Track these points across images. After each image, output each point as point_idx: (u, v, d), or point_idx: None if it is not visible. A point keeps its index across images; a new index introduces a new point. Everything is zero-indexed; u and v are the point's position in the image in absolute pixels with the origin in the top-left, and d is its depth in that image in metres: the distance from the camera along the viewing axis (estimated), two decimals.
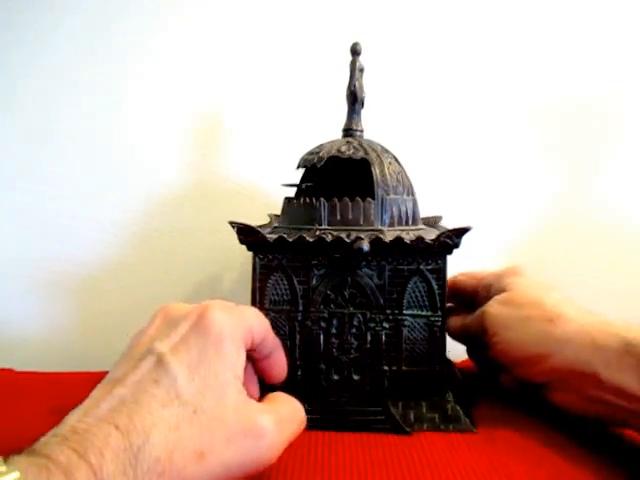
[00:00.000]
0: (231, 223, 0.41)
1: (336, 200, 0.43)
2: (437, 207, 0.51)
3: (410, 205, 0.45)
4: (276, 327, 0.42)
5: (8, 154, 0.58)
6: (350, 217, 0.43)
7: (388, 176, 0.44)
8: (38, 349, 0.58)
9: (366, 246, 0.39)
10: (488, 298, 0.44)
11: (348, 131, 0.47)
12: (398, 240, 0.40)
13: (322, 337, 0.42)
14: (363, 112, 0.48)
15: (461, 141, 0.60)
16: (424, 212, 0.49)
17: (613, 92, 0.59)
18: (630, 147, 0.60)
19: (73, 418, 0.27)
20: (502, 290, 0.44)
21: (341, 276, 0.41)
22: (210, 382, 0.29)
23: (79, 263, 0.59)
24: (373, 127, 0.49)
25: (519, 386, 0.43)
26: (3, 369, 0.52)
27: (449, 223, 0.44)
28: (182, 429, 0.27)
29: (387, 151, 0.46)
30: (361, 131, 0.47)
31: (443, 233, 0.40)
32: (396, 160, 0.46)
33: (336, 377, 0.42)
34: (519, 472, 0.34)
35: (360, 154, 0.44)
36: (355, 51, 0.47)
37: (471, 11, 0.59)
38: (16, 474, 0.23)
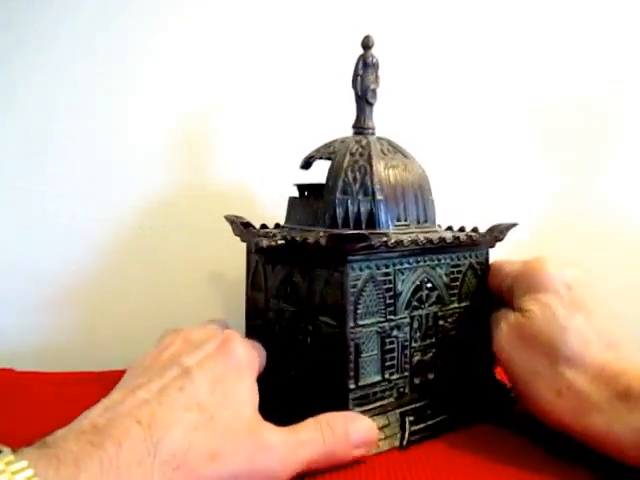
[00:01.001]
0: (331, 236, 0.36)
1: (337, 201, 0.41)
2: (438, 207, 0.54)
3: (435, 205, 0.47)
4: (367, 343, 0.38)
5: (8, 154, 0.56)
6: (413, 218, 0.42)
7: (425, 177, 0.45)
8: (38, 349, 0.57)
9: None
10: (511, 300, 0.40)
11: (364, 129, 0.45)
12: (469, 236, 0.42)
13: (404, 343, 0.40)
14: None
15: (462, 141, 0.61)
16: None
17: (613, 92, 0.60)
18: (630, 147, 0.61)
19: (93, 414, 0.28)
20: (519, 306, 0.39)
21: (419, 278, 0.41)
22: (229, 398, 0.32)
23: (78, 263, 0.57)
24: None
25: None
26: (3, 369, 0.51)
27: (449, 223, 0.48)
28: (199, 431, 0.29)
29: (395, 152, 0.45)
30: (372, 129, 0.46)
31: (491, 228, 0.44)
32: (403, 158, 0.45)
33: (417, 381, 0.41)
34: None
35: (399, 156, 0.44)
36: (367, 45, 0.45)
37: (471, 11, 0.61)
38: (23, 463, 0.23)
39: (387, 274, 0.39)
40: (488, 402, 0.44)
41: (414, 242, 0.39)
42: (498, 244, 0.47)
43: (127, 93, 0.57)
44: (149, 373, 0.32)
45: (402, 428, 0.38)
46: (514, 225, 0.45)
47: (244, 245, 0.48)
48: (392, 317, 0.39)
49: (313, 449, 0.33)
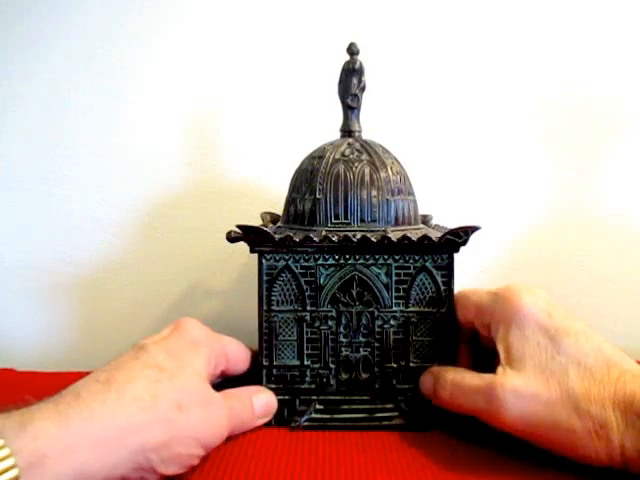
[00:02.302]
0: (239, 226, 0.41)
1: (342, 201, 0.43)
2: (439, 206, 0.52)
3: (412, 205, 0.46)
4: (284, 327, 0.42)
5: (9, 154, 0.58)
6: (356, 217, 0.43)
7: (391, 177, 0.44)
8: (39, 349, 0.58)
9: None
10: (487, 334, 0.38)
11: (346, 132, 0.48)
12: (405, 238, 0.40)
13: (330, 336, 0.42)
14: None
15: (464, 140, 0.60)
16: (425, 211, 0.50)
17: (615, 91, 0.59)
18: (631, 147, 0.59)
19: (56, 394, 0.30)
20: (505, 345, 0.36)
21: (348, 275, 0.41)
22: (186, 363, 0.34)
23: (80, 263, 0.59)
24: (372, 126, 0.49)
25: None
26: (4, 369, 0.52)
27: (452, 222, 0.44)
28: (163, 383, 0.31)
29: (387, 151, 0.46)
30: (359, 131, 0.48)
31: (450, 231, 0.41)
32: (397, 161, 0.46)
33: (345, 376, 0.42)
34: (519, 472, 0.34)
35: (364, 157, 0.44)
36: (352, 51, 0.47)
37: (471, 10, 0.60)
38: None
39: (307, 267, 0.41)
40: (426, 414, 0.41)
41: (326, 239, 0.40)
42: (498, 243, 0.43)
43: (127, 93, 0.59)
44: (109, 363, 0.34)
45: (302, 413, 0.41)
46: (476, 228, 0.40)
47: (241, 245, 0.44)
48: (314, 308, 0.42)
49: (237, 417, 0.37)
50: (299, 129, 0.57)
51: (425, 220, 0.51)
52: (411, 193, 0.46)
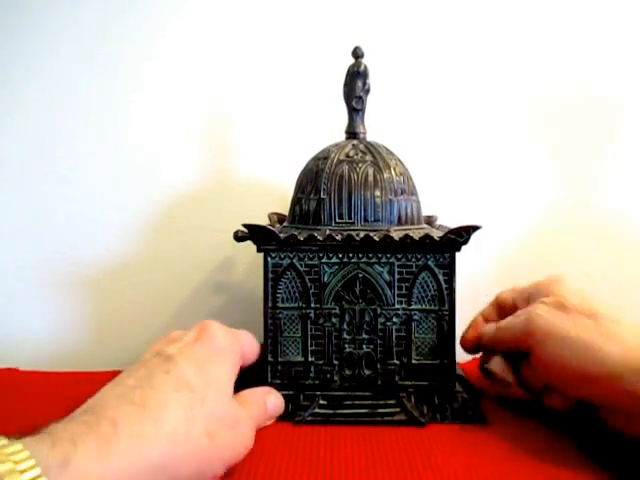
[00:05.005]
0: (245, 225, 0.42)
1: (345, 201, 0.44)
2: (442, 206, 0.53)
3: (415, 205, 0.46)
4: (289, 324, 0.43)
5: (11, 155, 0.59)
6: (359, 217, 0.44)
7: (395, 178, 0.45)
8: (43, 349, 0.59)
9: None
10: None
11: (351, 133, 0.49)
12: (407, 237, 0.41)
13: (334, 333, 0.43)
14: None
15: (466, 141, 0.60)
16: (429, 212, 0.50)
17: (616, 92, 0.59)
18: (633, 146, 0.59)
19: (86, 404, 0.29)
20: (546, 296, 0.39)
21: (351, 273, 0.42)
22: (212, 380, 0.33)
23: (82, 264, 0.59)
24: (377, 127, 0.50)
25: (570, 408, 0.38)
26: (8, 369, 0.52)
27: (455, 222, 0.45)
28: (195, 411, 0.30)
29: (391, 153, 0.47)
30: (364, 133, 0.49)
31: (451, 230, 0.41)
32: (400, 162, 0.47)
33: (348, 372, 0.43)
34: (520, 471, 0.34)
35: (368, 158, 0.45)
36: (357, 54, 0.48)
37: (473, 12, 0.60)
38: (18, 445, 0.23)
39: (312, 266, 0.42)
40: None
41: (330, 238, 0.41)
42: (499, 242, 0.44)
43: (130, 94, 0.59)
44: (133, 367, 0.33)
45: (306, 408, 0.41)
46: (477, 228, 0.41)
47: (248, 244, 0.45)
48: (318, 306, 0.43)
49: (257, 422, 0.37)
50: (305, 131, 0.58)
51: (429, 221, 0.52)
52: (414, 193, 0.47)
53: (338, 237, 0.41)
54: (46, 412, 0.40)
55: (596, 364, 0.34)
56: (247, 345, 0.41)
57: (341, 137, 0.49)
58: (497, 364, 0.42)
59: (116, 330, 0.59)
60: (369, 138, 0.49)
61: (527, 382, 0.40)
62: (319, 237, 0.41)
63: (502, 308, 0.45)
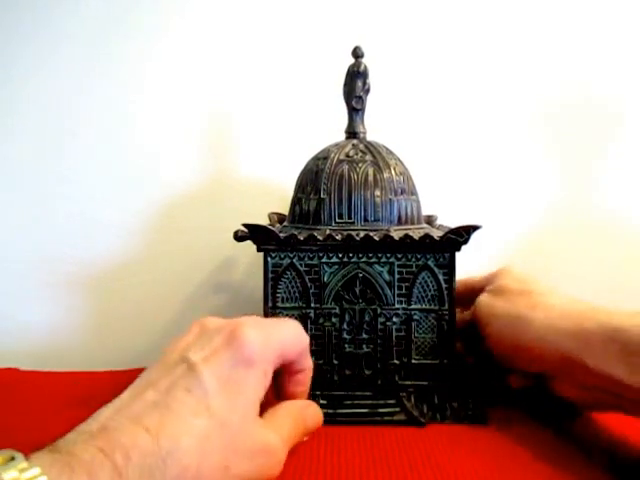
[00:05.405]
0: (245, 225, 0.42)
1: (345, 201, 0.44)
2: (441, 206, 0.53)
3: (415, 205, 0.46)
4: None
5: (17, 154, 0.59)
6: (359, 217, 0.44)
7: (395, 177, 0.45)
8: (43, 349, 0.59)
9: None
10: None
11: (351, 133, 0.49)
12: (407, 237, 0.41)
13: (334, 333, 0.43)
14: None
15: (467, 141, 0.60)
16: (429, 212, 0.51)
17: (617, 91, 0.59)
18: (633, 146, 0.60)
19: (102, 416, 0.28)
20: (492, 284, 0.45)
21: (351, 273, 0.42)
22: (236, 399, 0.30)
23: (84, 264, 0.59)
24: (377, 127, 0.50)
25: (526, 383, 0.42)
26: (8, 369, 0.52)
27: (455, 222, 0.45)
28: (211, 441, 0.28)
29: (391, 152, 0.47)
30: (364, 133, 0.49)
31: (451, 230, 0.41)
32: (400, 161, 0.47)
33: (348, 372, 0.43)
34: (520, 471, 0.34)
35: (368, 157, 0.45)
36: (356, 54, 0.48)
37: (474, 12, 0.60)
38: (36, 470, 0.23)
39: (312, 265, 0.42)
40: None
41: (330, 238, 0.41)
42: (499, 242, 0.44)
43: (131, 93, 0.59)
44: (159, 369, 0.31)
45: None
46: (477, 227, 0.41)
47: (248, 244, 0.45)
48: (318, 305, 0.43)
49: (291, 444, 0.34)
50: (305, 131, 0.58)
51: (430, 220, 0.52)
52: (414, 193, 0.47)
53: (338, 237, 0.41)
54: (46, 412, 0.42)
55: (524, 331, 0.39)
56: (289, 342, 0.36)
57: (341, 137, 0.49)
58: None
59: (116, 330, 0.60)
60: (369, 138, 0.49)
61: (495, 366, 0.44)
62: (319, 237, 0.41)
63: (469, 290, 0.48)
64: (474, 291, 0.47)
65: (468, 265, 0.51)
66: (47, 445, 0.25)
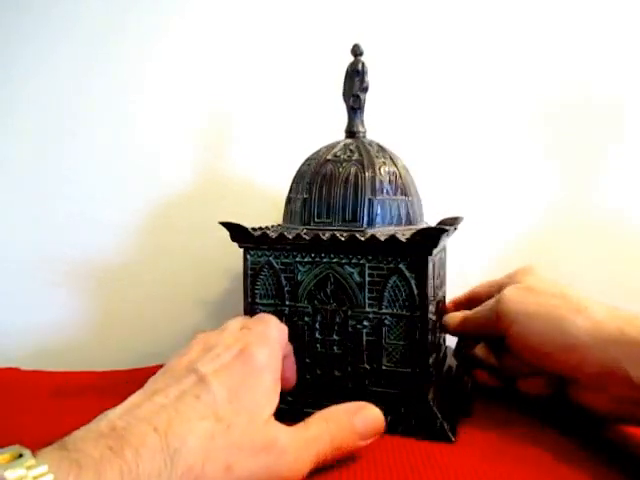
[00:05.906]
0: (222, 224, 0.44)
1: (324, 200, 0.44)
2: (440, 206, 0.50)
3: (404, 205, 0.45)
4: None
5: (17, 154, 0.59)
6: (338, 217, 0.44)
7: (378, 177, 0.44)
8: (43, 349, 0.59)
9: None
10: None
11: (351, 133, 0.48)
12: (374, 238, 0.40)
13: (307, 332, 0.43)
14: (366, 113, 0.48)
15: (467, 141, 0.58)
16: (430, 211, 0.48)
17: (617, 91, 0.56)
18: (633, 146, 0.56)
19: (111, 416, 0.28)
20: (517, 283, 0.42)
21: (323, 272, 0.42)
22: (246, 403, 0.31)
23: (85, 263, 0.60)
24: (379, 126, 0.49)
25: (543, 392, 0.40)
26: (9, 368, 0.53)
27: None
28: (215, 441, 0.29)
29: (384, 151, 0.46)
30: (363, 132, 0.48)
31: (419, 231, 0.39)
32: (392, 161, 0.46)
33: (319, 372, 0.43)
34: (519, 471, 0.33)
35: (355, 157, 0.45)
36: (356, 53, 0.47)
37: (473, 11, 0.58)
38: (44, 467, 0.23)
39: (287, 264, 0.43)
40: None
41: (298, 237, 0.42)
42: (498, 242, 0.41)
43: (130, 93, 0.60)
44: (167, 379, 0.32)
45: None
46: (444, 231, 0.38)
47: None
48: (292, 303, 0.43)
49: (320, 446, 0.33)
50: (305, 131, 0.58)
51: (451, 222, 0.48)
52: (407, 193, 0.45)
53: (306, 237, 0.41)
54: (47, 412, 0.43)
55: (571, 336, 0.36)
56: (281, 340, 0.38)
57: (342, 136, 0.49)
58: (482, 349, 0.44)
59: (116, 329, 0.60)
60: (372, 137, 0.48)
61: (504, 370, 0.42)
62: (289, 236, 0.42)
63: (474, 301, 0.46)
64: (493, 292, 0.44)
65: (468, 265, 0.48)
66: (54, 442, 0.26)
